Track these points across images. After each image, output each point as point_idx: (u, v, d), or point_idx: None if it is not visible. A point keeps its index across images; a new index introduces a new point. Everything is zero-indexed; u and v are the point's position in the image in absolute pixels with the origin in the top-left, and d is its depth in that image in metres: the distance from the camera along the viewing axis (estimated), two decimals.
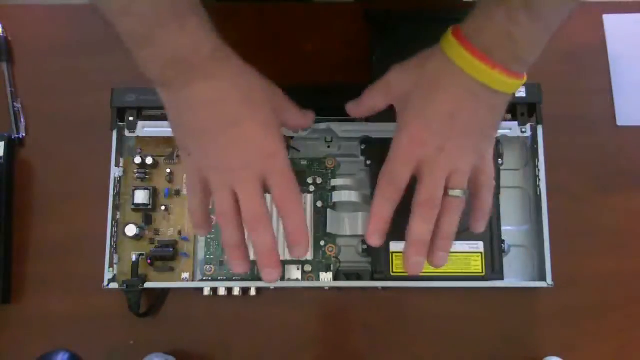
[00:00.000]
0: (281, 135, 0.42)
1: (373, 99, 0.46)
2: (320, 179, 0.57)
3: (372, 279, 0.54)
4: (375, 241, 0.43)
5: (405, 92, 0.43)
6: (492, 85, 0.39)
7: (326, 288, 0.55)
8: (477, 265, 0.53)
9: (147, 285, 0.53)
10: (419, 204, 0.41)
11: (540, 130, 0.56)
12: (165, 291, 0.56)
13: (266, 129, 0.41)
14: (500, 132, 0.55)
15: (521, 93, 0.55)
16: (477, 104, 0.40)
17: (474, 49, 0.39)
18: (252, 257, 0.55)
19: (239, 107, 0.40)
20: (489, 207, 0.45)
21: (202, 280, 0.55)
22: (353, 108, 0.48)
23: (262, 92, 0.42)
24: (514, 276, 0.55)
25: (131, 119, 0.55)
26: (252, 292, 0.54)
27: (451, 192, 0.41)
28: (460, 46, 0.39)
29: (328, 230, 0.55)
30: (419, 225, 0.42)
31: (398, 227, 0.53)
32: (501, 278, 0.53)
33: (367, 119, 0.56)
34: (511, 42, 0.38)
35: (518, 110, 0.56)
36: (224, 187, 0.41)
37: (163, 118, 0.56)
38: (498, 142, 0.55)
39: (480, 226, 0.45)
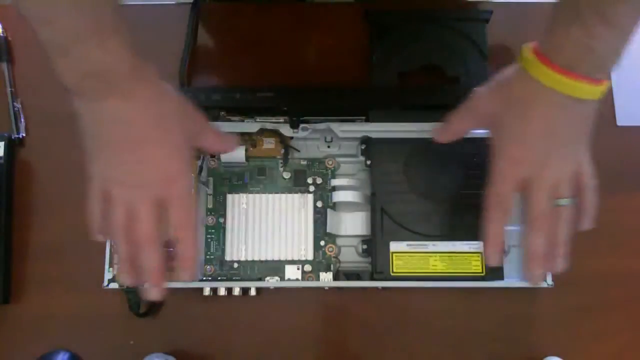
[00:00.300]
0: (188, 161, 0.44)
1: (461, 124, 0.48)
2: (320, 179, 0.57)
3: (372, 279, 0.54)
4: (497, 261, 0.46)
5: (495, 114, 0.44)
6: (579, 95, 0.40)
7: (326, 288, 0.55)
8: (477, 265, 0.53)
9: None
10: (532, 219, 0.44)
11: None
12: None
13: (171, 154, 0.42)
14: None
15: None
16: (569, 115, 0.42)
17: (557, 67, 0.40)
18: (249, 257, 0.55)
19: (148, 130, 0.41)
20: (595, 205, 0.46)
21: (202, 280, 0.55)
22: (441, 134, 0.50)
23: (176, 116, 0.43)
24: (514, 276, 0.55)
25: None
26: (252, 292, 0.54)
27: (560, 202, 0.44)
28: (543, 65, 0.40)
29: (328, 230, 0.55)
30: (536, 240, 0.44)
31: (398, 228, 0.54)
32: (501, 278, 0.53)
33: (367, 119, 0.56)
34: (592, 55, 0.39)
35: None
36: (122, 202, 0.42)
37: None
38: None
39: (589, 224, 0.46)
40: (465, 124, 0.48)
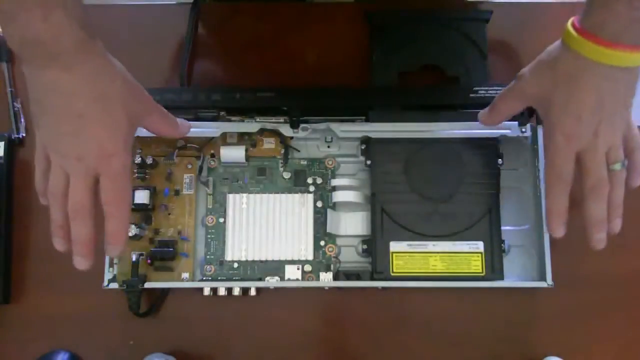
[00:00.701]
0: (127, 140, 0.44)
1: (509, 105, 0.49)
2: (320, 179, 0.57)
3: (372, 279, 0.54)
4: (560, 232, 0.48)
5: (544, 94, 0.45)
6: (625, 64, 0.42)
7: (326, 288, 0.55)
8: (477, 265, 0.53)
9: (147, 285, 0.53)
10: (590, 188, 0.46)
11: (540, 130, 0.56)
12: (165, 291, 0.56)
13: (110, 131, 0.43)
14: (500, 132, 0.55)
15: None
16: (616, 85, 0.44)
17: (603, 41, 0.41)
18: (249, 257, 0.55)
19: (88, 104, 0.42)
20: None
21: (202, 280, 0.55)
22: (488, 117, 0.51)
23: (119, 94, 0.43)
24: (514, 276, 0.55)
25: None
26: (252, 292, 0.54)
27: (612, 167, 0.46)
28: (589, 41, 0.42)
29: (328, 230, 0.55)
30: (595, 206, 0.46)
31: (398, 228, 0.54)
32: (501, 278, 0.53)
33: (367, 119, 0.56)
34: (637, 25, 0.41)
35: None
36: (60, 169, 0.43)
37: None
38: (498, 142, 0.55)
39: (638, 181, 0.49)
40: (513, 105, 0.49)
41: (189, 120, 0.56)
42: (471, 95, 0.55)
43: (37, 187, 0.46)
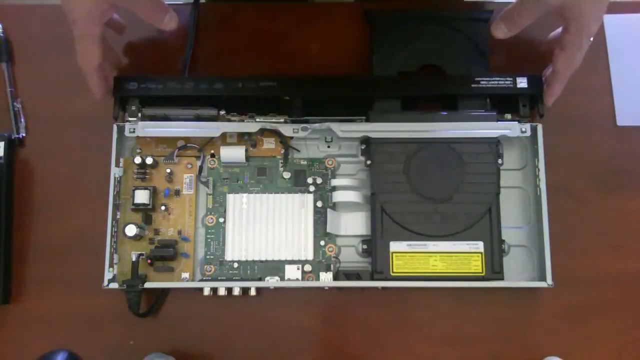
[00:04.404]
0: (92, 11, 0.50)
1: (528, 14, 0.52)
2: (320, 179, 0.57)
3: (372, 279, 0.54)
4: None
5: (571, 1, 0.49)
6: None
7: (326, 288, 0.55)
8: (477, 265, 0.53)
9: (147, 285, 0.53)
10: (572, 59, 0.53)
11: (540, 129, 0.56)
12: (165, 291, 0.56)
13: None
14: (500, 132, 0.55)
15: (523, 84, 0.55)
16: None
17: None
18: (249, 257, 0.55)
19: None
20: None
21: (202, 280, 0.55)
22: (503, 31, 0.53)
23: None
24: (514, 276, 0.55)
25: (133, 108, 0.55)
26: (252, 292, 0.54)
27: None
28: None
29: (328, 230, 0.55)
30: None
31: (398, 228, 0.54)
32: (501, 278, 0.53)
33: (367, 119, 0.56)
34: None
35: (520, 102, 0.56)
36: None
37: (164, 118, 0.56)
38: (498, 142, 0.55)
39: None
40: (531, 15, 0.51)
41: (188, 120, 0.56)
42: (472, 85, 0.55)
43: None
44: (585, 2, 0.49)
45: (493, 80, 0.55)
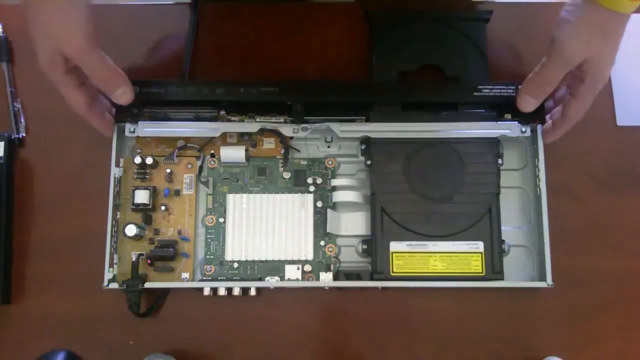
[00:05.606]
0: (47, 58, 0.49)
1: (554, 77, 0.52)
2: (320, 179, 0.57)
3: (372, 279, 0.54)
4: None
5: (588, 52, 0.49)
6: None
7: (326, 288, 0.55)
8: (477, 265, 0.53)
9: (147, 285, 0.53)
10: (582, 110, 0.54)
11: (540, 130, 0.56)
12: (165, 291, 0.56)
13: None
14: (500, 132, 0.55)
15: None
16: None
17: None
18: (249, 257, 0.55)
19: None
20: None
21: (202, 280, 0.55)
22: (528, 99, 0.54)
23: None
24: (514, 276, 0.55)
25: (135, 111, 0.55)
26: (252, 292, 0.54)
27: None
28: None
29: (328, 230, 0.55)
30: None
31: (398, 228, 0.54)
32: (501, 278, 0.53)
33: (367, 119, 0.56)
34: None
35: None
36: None
37: (164, 118, 0.56)
38: (498, 142, 0.55)
39: None
40: (557, 77, 0.51)
41: (189, 120, 0.56)
42: (475, 94, 0.55)
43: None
44: (605, 55, 0.50)
45: (495, 89, 0.55)
